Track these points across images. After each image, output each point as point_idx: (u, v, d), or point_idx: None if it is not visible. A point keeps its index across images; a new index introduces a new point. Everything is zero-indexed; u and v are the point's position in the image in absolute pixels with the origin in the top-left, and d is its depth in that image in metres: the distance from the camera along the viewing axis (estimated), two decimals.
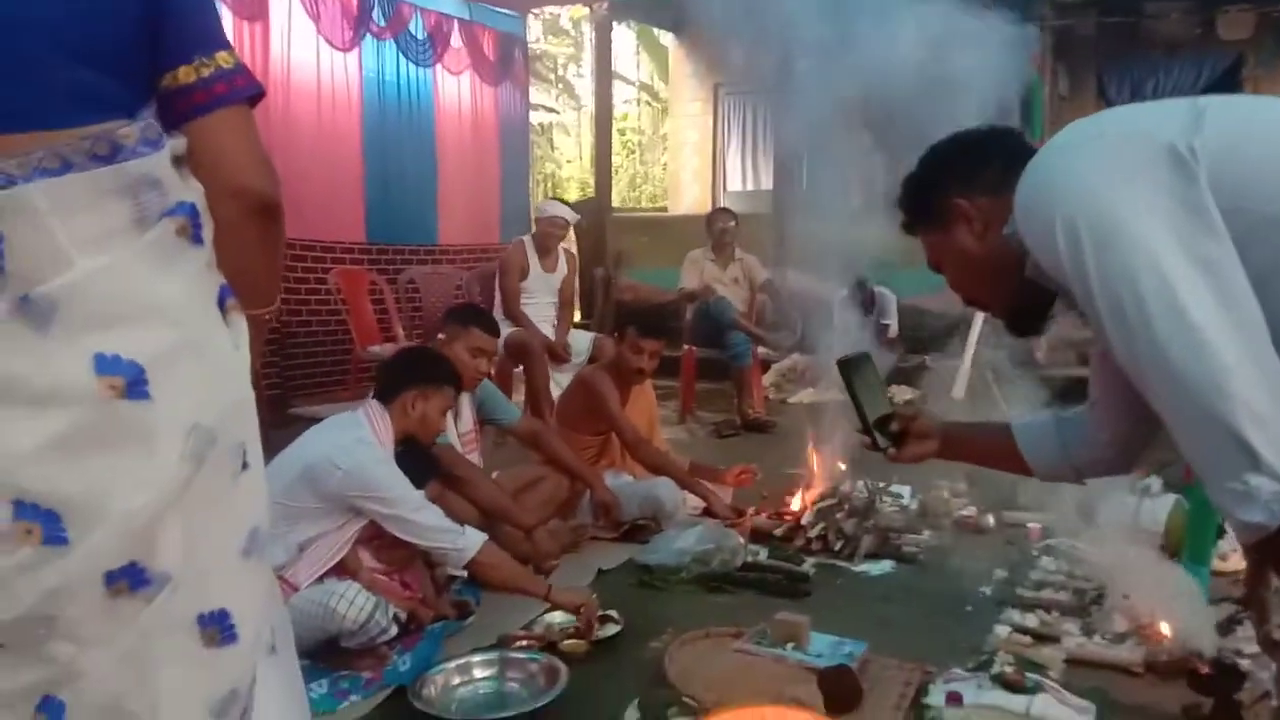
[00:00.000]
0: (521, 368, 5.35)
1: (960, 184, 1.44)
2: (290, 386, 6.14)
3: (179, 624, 1.02)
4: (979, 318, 5.35)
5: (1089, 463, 1.62)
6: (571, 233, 6.86)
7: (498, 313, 5.25)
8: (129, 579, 0.98)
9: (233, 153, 1.07)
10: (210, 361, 1.04)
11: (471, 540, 2.58)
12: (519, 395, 5.70)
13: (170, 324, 1.00)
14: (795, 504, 3.81)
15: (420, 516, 2.55)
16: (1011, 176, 1.31)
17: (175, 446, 0.99)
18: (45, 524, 0.93)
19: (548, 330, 5.52)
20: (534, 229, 5.90)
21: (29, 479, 0.93)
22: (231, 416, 1.06)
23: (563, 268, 5.73)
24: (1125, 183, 1.15)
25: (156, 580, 0.99)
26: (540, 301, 5.58)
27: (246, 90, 1.10)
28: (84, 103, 0.98)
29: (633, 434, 3.82)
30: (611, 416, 3.80)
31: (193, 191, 1.03)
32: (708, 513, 3.76)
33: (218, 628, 1.04)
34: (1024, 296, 1.43)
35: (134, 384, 0.96)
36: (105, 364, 0.95)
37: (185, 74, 1.05)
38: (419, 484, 2.60)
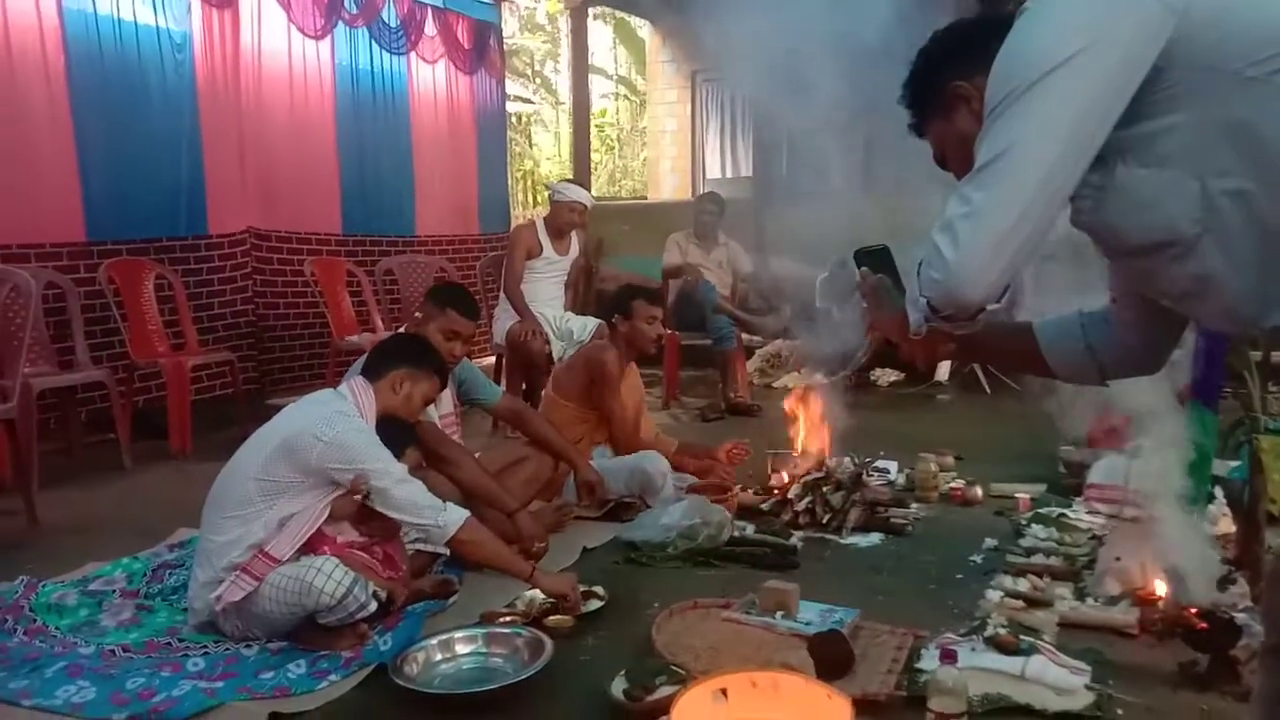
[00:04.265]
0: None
1: (958, 68, 1.43)
2: (267, 378, 6.04)
3: None
4: None
5: (1114, 362, 1.54)
6: None
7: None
8: None
9: None
10: None
11: (453, 517, 2.51)
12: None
13: None
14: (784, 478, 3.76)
15: (402, 490, 2.48)
16: None
17: None
18: None
19: (555, 310, 5.42)
20: (547, 211, 5.60)
21: None
22: None
23: (574, 251, 5.60)
24: (1075, 55, 1.18)
25: None
26: (548, 281, 5.47)
27: None
28: None
29: (623, 425, 3.78)
30: (609, 403, 3.76)
31: None
32: (694, 489, 3.70)
33: None
34: None
35: None
36: None
37: None
38: (397, 453, 2.54)
